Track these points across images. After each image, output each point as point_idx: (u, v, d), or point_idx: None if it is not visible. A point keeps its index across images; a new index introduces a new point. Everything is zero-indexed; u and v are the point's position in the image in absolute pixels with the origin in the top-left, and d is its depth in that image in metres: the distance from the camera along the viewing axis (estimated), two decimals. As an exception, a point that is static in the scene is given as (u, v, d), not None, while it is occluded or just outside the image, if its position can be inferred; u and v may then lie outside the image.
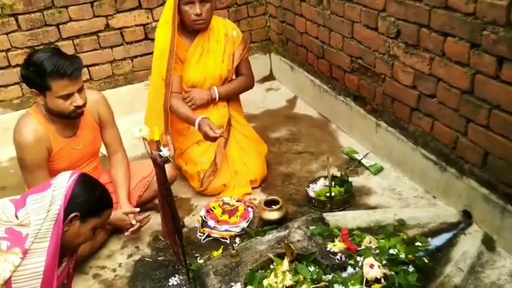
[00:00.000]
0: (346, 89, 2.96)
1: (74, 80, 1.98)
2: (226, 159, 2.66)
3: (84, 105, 2.06)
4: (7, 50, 3.11)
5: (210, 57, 2.64)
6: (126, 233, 2.22)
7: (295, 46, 3.51)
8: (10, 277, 1.36)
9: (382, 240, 2.00)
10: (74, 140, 2.18)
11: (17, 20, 3.07)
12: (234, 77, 2.82)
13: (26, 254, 1.39)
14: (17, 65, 3.11)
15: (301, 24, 3.31)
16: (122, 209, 2.22)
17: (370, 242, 1.98)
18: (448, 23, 1.99)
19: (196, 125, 2.44)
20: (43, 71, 1.91)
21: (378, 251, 1.92)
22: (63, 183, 1.51)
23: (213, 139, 2.43)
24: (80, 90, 2.03)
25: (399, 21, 2.30)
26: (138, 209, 2.27)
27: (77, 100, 2.02)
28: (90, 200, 1.56)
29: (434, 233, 2.09)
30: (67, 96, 1.99)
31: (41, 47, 3.10)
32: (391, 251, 1.91)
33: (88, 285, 2.10)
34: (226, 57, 2.67)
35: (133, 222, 2.21)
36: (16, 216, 1.43)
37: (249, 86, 2.85)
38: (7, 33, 3.07)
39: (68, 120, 2.12)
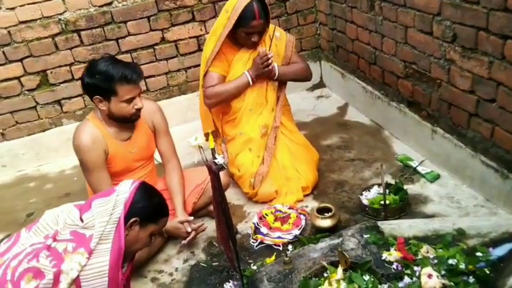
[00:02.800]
0: (399, 95, 2.91)
1: (137, 84, 2.14)
2: (277, 165, 2.68)
3: (142, 108, 2.19)
4: (71, 64, 3.30)
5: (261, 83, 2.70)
6: (183, 242, 2.29)
7: (346, 53, 3.49)
8: (78, 276, 1.44)
9: (440, 250, 1.93)
10: (129, 144, 2.28)
11: (79, 36, 3.26)
12: None
13: (92, 254, 1.47)
14: (80, 78, 3.28)
15: (352, 30, 3.30)
16: (178, 218, 2.28)
17: (428, 252, 1.93)
18: (508, 25, 1.92)
19: (249, 77, 2.62)
20: (111, 78, 2.06)
21: (436, 261, 1.86)
22: (125, 189, 1.59)
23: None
24: (140, 94, 2.18)
25: (455, 24, 2.25)
26: (192, 218, 2.33)
27: (138, 103, 2.16)
28: (149, 206, 1.64)
29: (496, 242, 1.99)
30: (130, 100, 2.13)
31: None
32: (450, 261, 1.85)
33: (147, 288, 2.18)
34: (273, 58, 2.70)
35: (189, 230, 2.27)
36: (81, 219, 1.52)
37: (307, 74, 2.88)
38: (70, 48, 3.27)
39: (123, 124, 2.23)
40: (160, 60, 3.50)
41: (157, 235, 1.79)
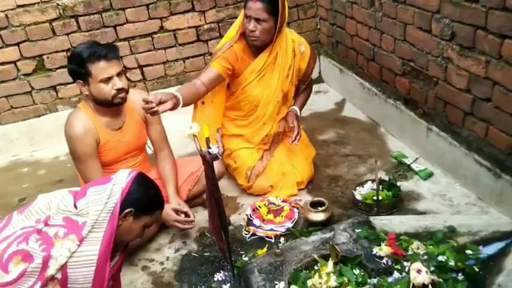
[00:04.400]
0: (396, 92, 2.91)
1: (110, 61, 2.09)
2: (275, 160, 2.68)
3: (124, 90, 2.15)
4: (67, 50, 3.27)
5: (274, 73, 2.57)
6: (182, 226, 2.29)
7: (345, 49, 3.49)
8: (66, 262, 1.44)
9: (431, 247, 1.94)
10: (120, 133, 2.27)
11: (77, 21, 3.23)
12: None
13: (82, 242, 1.46)
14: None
15: (351, 26, 3.29)
16: (171, 204, 2.28)
17: (418, 248, 1.93)
18: (506, 25, 1.92)
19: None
20: (82, 58, 2.06)
21: (426, 257, 1.87)
22: (122, 178, 1.58)
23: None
24: (120, 75, 2.13)
25: (454, 23, 2.24)
26: (185, 205, 2.32)
27: (117, 83, 2.11)
28: (144, 198, 1.62)
29: (486, 241, 2.01)
30: (107, 80, 2.09)
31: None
32: (440, 258, 1.86)
33: (137, 277, 2.18)
34: (291, 72, 2.61)
35: (182, 216, 2.27)
36: (75, 206, 1.51)
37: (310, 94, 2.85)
38: (68, 34, 3.24)
39: (114, 112, 2.22)
40: (159, 49, 3.48)
41: (150, 227, 1.77)
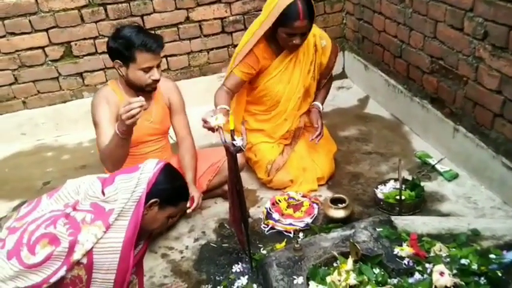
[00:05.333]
0: (423, 90, 2.86)
1: (156, 55, 2.16)
2: (295, 155, 2.67)
3: (159, 80, 2.21)
4: (95, 38, 3.30)
5: (296, 69, 2.55)
6: (189, 210, 2.24)
7: (371, 44, 3.44)
8: (92, 248, 1.46)
9: (454, 249, 1.92)
10: (146, 113, 2.28)
11: (105, 10, 3.25)
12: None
13: (109, 229, 1.47)
14: (103, 52, 3.30)
15: (379, 22, 3.24)
16: None
17: (441, 250, 1.91)
18: (543, 25, 1.87)
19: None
20: (132, 44, 2.11)
21: (448, 260, 1.84)
22: (150, 168, 1.59)
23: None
24: (158, 66, 2.20)
25: (487, 22, 2.19)
26: (196, 195, 2.28)
27: (155, 74, 2.18)
28: (171, 189, 1.63)
29: (510, 246, 1.97)
30: (147, 69, 2.16)
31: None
32: (463, 261, 1.83)
33: (157, 264, 2.21)
34: (313, 67, 2.58)
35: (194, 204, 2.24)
36: (103, 193, 1.53)
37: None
38: (96, 22, 3.27)
39: (141, 94, 2.22)
40: (184, 39, 3.49)
41: (174, 218, 1.78)
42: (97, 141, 2.21)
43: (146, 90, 2.23)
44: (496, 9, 2.11)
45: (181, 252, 2.27)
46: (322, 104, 2.72)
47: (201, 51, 3.57)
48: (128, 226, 1.50)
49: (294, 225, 2.32)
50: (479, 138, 2.41)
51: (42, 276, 1.42)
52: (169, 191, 1.62)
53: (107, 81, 3.45)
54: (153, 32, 3.36)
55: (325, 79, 2.72)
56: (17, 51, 3.19)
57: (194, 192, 2.27)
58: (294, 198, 2.49)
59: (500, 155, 2.26)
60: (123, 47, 2.12)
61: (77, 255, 1.44)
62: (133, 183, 1.53)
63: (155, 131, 2.38)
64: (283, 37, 2.37)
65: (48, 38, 3.22)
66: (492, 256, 1.90)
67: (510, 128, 2.17)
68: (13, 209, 2.66)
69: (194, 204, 2.24)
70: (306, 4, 2.28)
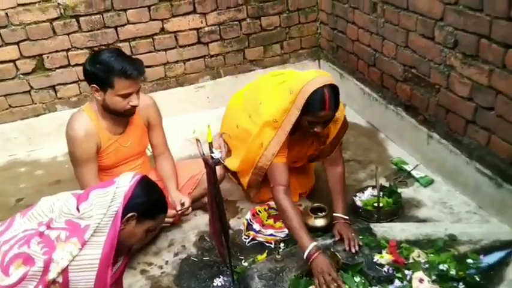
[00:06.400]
0: (397, 98, 2.91)
1: (136, 81, 2.08)
2: None
3: (137, 105, 2.14)
4: (67, 50, 3.25)
5: (303, 140, 2.37)
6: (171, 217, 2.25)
7: (345, 54, 3.49)
8: (67, 266, 1.42)
9: (432, 255, 1.95)
10: (123, 138, 2.26)
11: (78, 21, 3.20)
12: None
13: (84, 245, 1.44)
14: (76, 65, 3.25)
15: (353, 31, 3.29)
16: (171, 197, 2.27)
17: (419, 256, 1.94)
18: (511, 34, 1.92)
19: (306, 253, 1.90)
20: (110, 70, 2.02)
21: (427, 266, 1.87)
22: (126, 182, 1.56)
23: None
24: (137, 92, 2.12)
25: (457, 31, 2.25)
26: (187, 200, 2.28)
27: (134, 100, 2.10)
28: (148, 202, 1.59)
29: (487, 250, 2.01)
30: (126, 96, 2.08)
31: (100, 47, 3.23)
32: (441, 267, 1.86)
33: (136, 280, 2.16)
34: (318, 138, 2.35)
35: (178, 207, 2.25)
36: (77, 209, 1.49)
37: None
38: (68, 34, 3.21)
39: (118, 118, 2.20)
40: (159, 50, 3.46)
41: (153, 231, 1.75)
42: (79, 179, 2.18)
43: (124, 115, 2.17)
44: (466, 19, 2.17)
45: (161, 267, 2.24)
46: (346, 214, 2.23)
47: (177, 61, 3.55)
48: (105, 242, 1.46)
49: (274, 235, 2.31)
50: (453, 144, 2.46)
51: (17, 298, 1.37)
52: (147, 204, 1.59)
53: (80, 93, 3.40)
54: (127, 43, 3.35)
55: (327, 155, 2.39)
56: (-14, 65, 3.12)
57: (182, 197, 2.27)
58: (274, 209, 2.48)
59: (474, 161, 2.32)
60: (101, 72, 2.03)
61: (52, 274, 1.40)
62: (109, 197, 1.50)
63: (133, 151, 2.34)
64: (304, 124, 2.14)
65: (19, 51, 3.15)
66: (469, 261, 1.95)
67: (482, 134, 2.22)
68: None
69: (185, 208, 2.24)
70: (333, 93, 2.05)
